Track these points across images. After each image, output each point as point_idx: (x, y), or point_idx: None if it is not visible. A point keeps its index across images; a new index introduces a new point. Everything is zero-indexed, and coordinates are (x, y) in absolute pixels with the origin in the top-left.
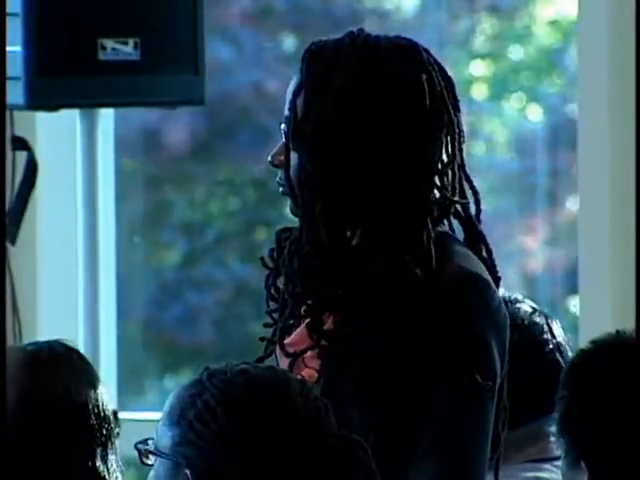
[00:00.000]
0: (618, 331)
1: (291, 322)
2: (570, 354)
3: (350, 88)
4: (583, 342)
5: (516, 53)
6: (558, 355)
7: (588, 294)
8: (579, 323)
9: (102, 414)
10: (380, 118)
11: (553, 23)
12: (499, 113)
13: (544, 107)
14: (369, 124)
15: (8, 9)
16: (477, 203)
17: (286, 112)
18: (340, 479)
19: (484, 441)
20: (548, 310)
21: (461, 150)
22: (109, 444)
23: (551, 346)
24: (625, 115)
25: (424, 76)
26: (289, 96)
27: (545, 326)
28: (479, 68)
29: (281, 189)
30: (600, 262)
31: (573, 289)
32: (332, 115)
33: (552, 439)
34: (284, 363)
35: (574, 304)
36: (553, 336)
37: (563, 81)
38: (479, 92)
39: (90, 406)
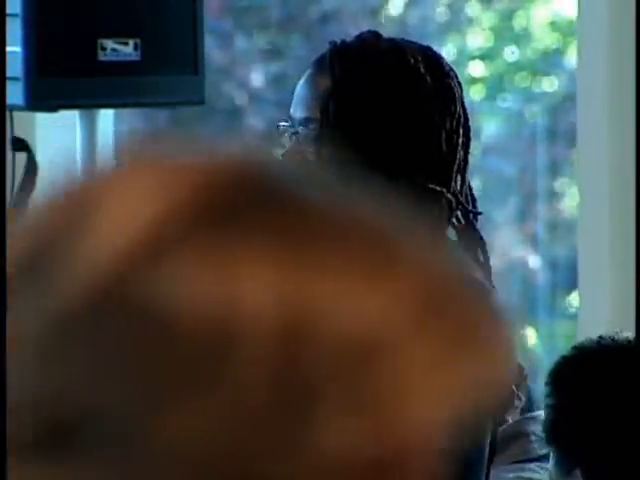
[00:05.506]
0: (600, 336)
1: None
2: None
3: (383, 90)
4: (582, 337)
5: (514, 53)
6: None
7: (587, 290)
8: (578, 319)
9: None
10: (412, 121)
11: (552, 23)
12: (497, 113)
13: (543, 108)
14: (403, 127)
15: (8, 9)
16: (474, 206)
17: (304, 113)
18: None
19: (480, 442)
20: (547, 306)
21: (467, 154)
22: None
23: None
24: (625, 115)
25: (451, 82)
26: (313, 95)
27: None
28: (477, 69)
29: None
30: (599, 258)
31: (572, 285)
32: (369, 116)
33: (533, 438)
34: None
35: (573, 300)
36: None
37: (562, 81)
38: (476, 92)
39: None
